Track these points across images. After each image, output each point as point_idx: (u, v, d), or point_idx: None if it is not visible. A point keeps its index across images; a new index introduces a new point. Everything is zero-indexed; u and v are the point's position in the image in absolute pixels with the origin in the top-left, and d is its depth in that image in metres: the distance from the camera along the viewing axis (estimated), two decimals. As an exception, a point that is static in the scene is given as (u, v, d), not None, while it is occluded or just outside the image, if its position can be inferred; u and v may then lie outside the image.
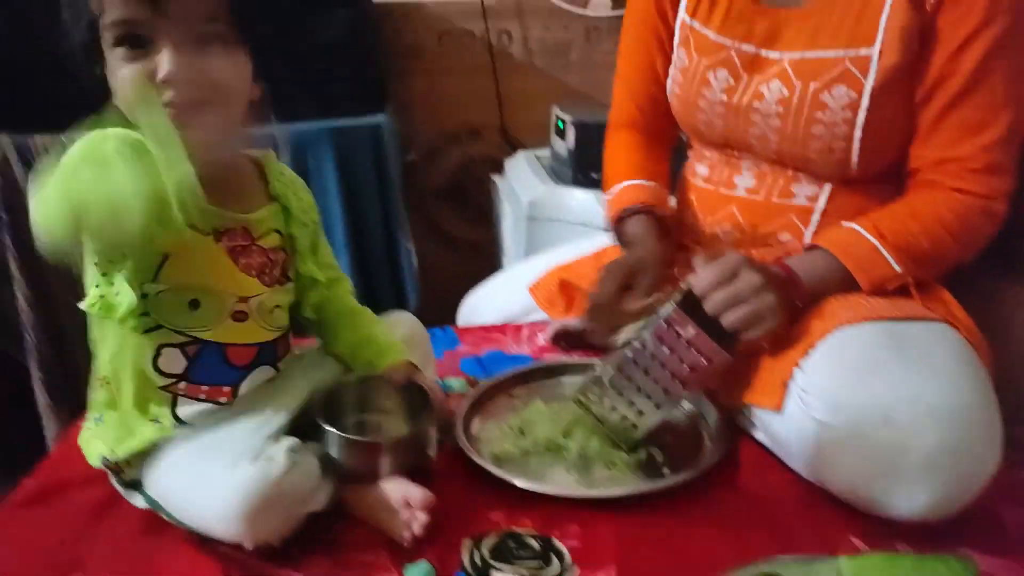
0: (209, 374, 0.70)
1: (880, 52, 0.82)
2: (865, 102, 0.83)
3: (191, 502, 0.66)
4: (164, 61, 0.61)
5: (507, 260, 1.80)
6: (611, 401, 0.80)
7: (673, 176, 1.10)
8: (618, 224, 1.03)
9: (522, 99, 1.91)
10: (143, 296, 0.65)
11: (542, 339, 1.07)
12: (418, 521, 0.67)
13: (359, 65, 1.57)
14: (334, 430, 0.69)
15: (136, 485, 0.70)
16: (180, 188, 0.55)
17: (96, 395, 0.72)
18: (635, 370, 0.79)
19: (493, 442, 0.82)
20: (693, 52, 0.95)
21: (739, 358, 0.79)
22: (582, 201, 1.51)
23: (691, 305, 0.76)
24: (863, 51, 0.82)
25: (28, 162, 1.35)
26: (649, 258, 0.93)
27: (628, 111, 1.09)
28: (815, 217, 0.91)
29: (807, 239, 0.91)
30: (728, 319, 0.75)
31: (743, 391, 0.81)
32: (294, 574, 0.65)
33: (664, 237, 0.99)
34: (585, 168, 1.53)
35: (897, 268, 0.81)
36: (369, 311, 0.84)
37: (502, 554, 0.67)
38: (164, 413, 0.69)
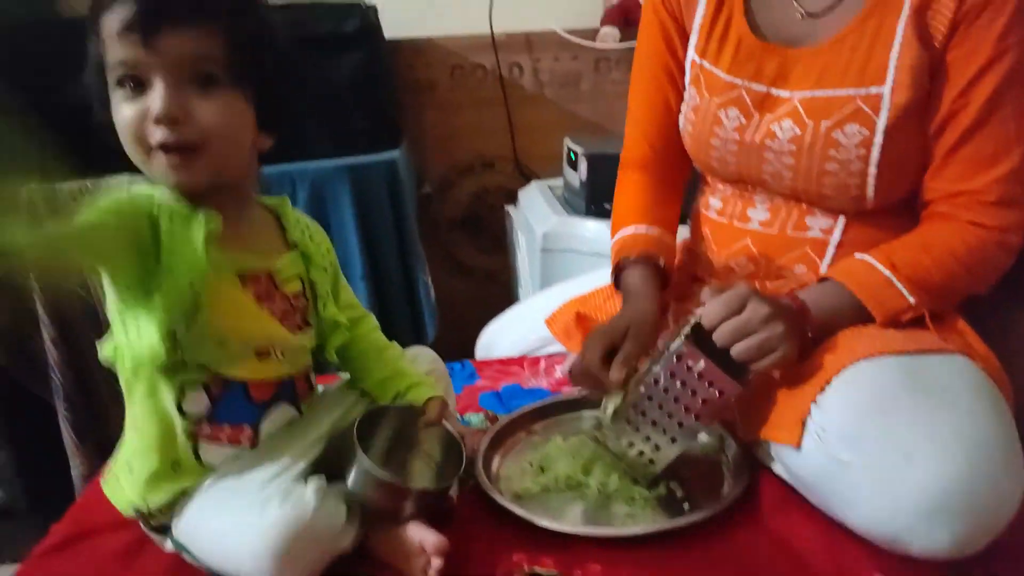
0: (230, 412, 0.71)
1: (892, 90, 0.82)
2: (878, 139, 0.83)
3: (221, 545, 0.66)
4: (155, 99, 0.62)
5: (522, 290, 1.81)
6: (627, 437, 0.80)
7: (686, 207, 1.10)
8: (618, 272, 1.02)
9: (534, 130, 1.94)
10: (172, 335, 0.65)
11: (559, 372, 1.07)
12: (432, 568, 0.68)
13: (374, 103, 1.60)
14: (368, 460, 0.69)
15: (165, 530, 0.71)
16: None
17: (127, 443, 0.73)
18: (649, 405, 0.79)
19: (513, 480, 0.83)
20: (704, 91, 0.95)
21: (755, 392, 0.79)
22: (595, 232, 1.52)
23: (701, 338, 0.77)
24: (874, 89, 0.83)
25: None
26: (638, 319, 0.90)
27: (640, 150, 1.07)
28: (830, 249, 0.91)
29: (823, 271, 0.91)
30: (737, 350, 0.75)
31: (760, 426, 0.81)
32: (320, 616, 0.66)
33: (663, 287, 0.98)
34: (598, 199, 1.54)
35: (911, 299, 0.81)
36: (396, 345, 0.86)
37: (525, 595, 0.67)
38: (189, 459, 0.70)
